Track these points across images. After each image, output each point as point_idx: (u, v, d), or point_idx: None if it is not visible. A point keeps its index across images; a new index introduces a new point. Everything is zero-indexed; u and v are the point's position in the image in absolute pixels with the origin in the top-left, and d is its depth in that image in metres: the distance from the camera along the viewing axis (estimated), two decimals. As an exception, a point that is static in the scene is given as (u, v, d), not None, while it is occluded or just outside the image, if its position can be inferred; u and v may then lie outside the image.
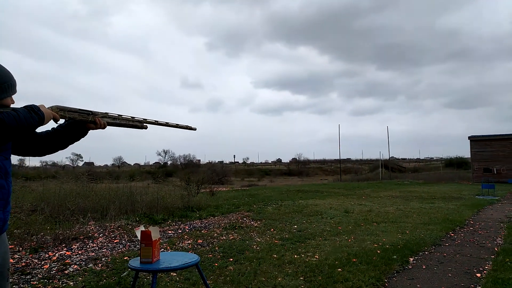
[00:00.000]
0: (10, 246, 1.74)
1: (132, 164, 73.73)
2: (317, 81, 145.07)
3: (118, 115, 1.99)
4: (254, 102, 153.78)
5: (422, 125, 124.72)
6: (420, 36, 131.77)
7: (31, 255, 4.69)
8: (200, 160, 68.38)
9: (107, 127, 1.95)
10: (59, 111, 1.77)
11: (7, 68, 1.67)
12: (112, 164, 68.86)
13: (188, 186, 12.09)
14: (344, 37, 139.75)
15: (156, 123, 2.10)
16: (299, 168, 68.95)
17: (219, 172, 41.52)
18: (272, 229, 6.74)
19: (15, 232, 5.40)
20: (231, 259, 4.60)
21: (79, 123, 1.86)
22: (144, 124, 2.05)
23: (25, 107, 1.61)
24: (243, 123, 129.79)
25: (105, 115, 1.93)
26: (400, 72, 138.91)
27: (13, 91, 1.68)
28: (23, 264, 4.31)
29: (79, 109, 1.85)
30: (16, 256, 4.59)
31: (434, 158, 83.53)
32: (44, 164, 58.05)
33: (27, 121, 1.55)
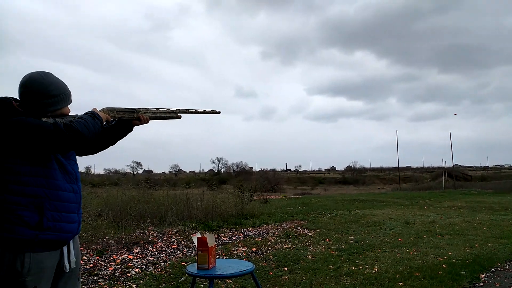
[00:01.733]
0: (80, 248, 1.85)
1: (187, 172, 76.30)
2: (374, 86, 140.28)
3: (156, 108, 2.14)
4: (307, 109, 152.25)
5: (490, 131, 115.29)
6: (486, 36, 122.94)
7: (97, 257, 4.98)
8: (252, 167, 69.03)
9: (149, 121, 2.11)
10: (110, 112, 1.94)
11: (61, 80, 1.79)
12: (169, 171, 71.78)
13: (241, 194, 12.20)
14: (403, 40, 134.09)
15: (187, 111, 2.22)
16: (355, 176, 66.86)
17: (272, 180, 41.54)
18: (327, 239, 6.56)
19: (83, 235, 5.77)
20: (286, 269, 4.53)
21: (126, 121, 2.02)
22: (179, 113, 2.19)
23: (86, 113, 1.72)
24: (296, 130, 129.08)
25: (146, 110, 2.09)
26: (465, 75, 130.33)
27: (69, 101, 1.81)
28: (91, 265, 4.59)
29: (125, 108, 2.01)
30: (85, 257, 4.90)
31: (505, 166, 76.73)
32: (107, 171, 62.10)
33: (95, 127, 1.69)
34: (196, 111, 2.25)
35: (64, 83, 1.79)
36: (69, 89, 1.81)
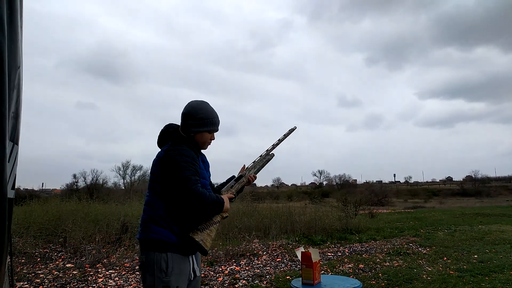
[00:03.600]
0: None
1: (289, 185, 76.95)
2: (499, 85, 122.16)
3: (253, 162, 2.27)
4: (419, 114, 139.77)
5: None
6: None
7: (208, 268, 5.32)
8: (356, 180, 66.42)
9: (256, 176, 2.25)
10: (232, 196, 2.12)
11: (214, 108, 2.03)
12: (272, 184, 73.41)
13: (345, 207, 11.82)
14: None
15: (273, 146, 2.30)
16: (476, 187, 59.18)
17: (378, 193, 39.33)
18: (445, 258, 5.90)
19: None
20: (397, 288, 4.20)
21: (240, 190, 2.21)
22: (271, 153, 2.30)
23: (219, 199, 1.90)
24: (405, 138, 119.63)
25: (249, 169, 2.24)
26: None
27: (213, 128, 2.02)
28: (202, 275, 4.92)
29: (234, 180, 2.19)
30: (197, 267, 5.27)
31: None
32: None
33: (211, 210, 1.88)
34: (279, 141, 2.32)
35: (215, 112, 2.01)
36: (218, 118, 2.03)
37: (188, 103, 2.00)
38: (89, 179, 41.57)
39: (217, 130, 2.04)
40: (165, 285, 1.77)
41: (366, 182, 63.78)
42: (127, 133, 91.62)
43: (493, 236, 8.06)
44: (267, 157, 2.30)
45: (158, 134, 2.02)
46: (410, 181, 77.60)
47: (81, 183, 41.69)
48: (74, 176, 42.67)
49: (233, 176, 2.22)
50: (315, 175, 68.83)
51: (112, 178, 54.20)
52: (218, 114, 2.03)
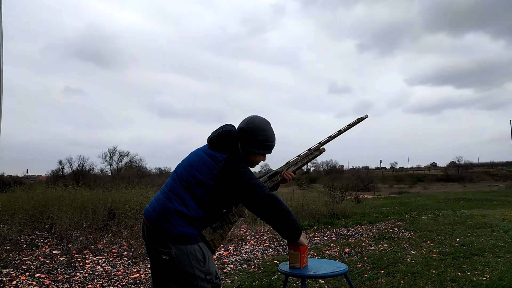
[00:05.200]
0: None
1: (278, 171, 77.35)
2: (488, 71, 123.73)
3: (297, 156, 2.09)
4: (408, 101, 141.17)
5: None
6: None
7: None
8: (343, 166, 67.21)
9: (296, 173, 2.12)
10: None
11: (273, 130, 1.98)
12: (260, 170, 73.67)
13: (332, 193, 11.97)
14: None
15: (330, 138, 2.12)
16: (460, 173, 60.57)
17: (364, 178, 39.97)
18: (428, 241, 6.06)
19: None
20: (382, 271, 4.30)
21: (274, 187, 2.10)
22: (322, 147, 2.12)
23: (298, 227, 1.90)
24: (393, 125, 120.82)
25: (288, 165, 2.08)
26: None
27: (268, 151, 1.99)
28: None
29: (268, 177, 2.06)
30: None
31: None
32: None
33: (284, 220, 1.83)
34: (340, 132, 2.12)
35: (274, 136, 1.98)
36: (275, 141, 1.99)
37: (251, 118, 1.94)
38: (75, 165, 41.03)
39: (270, 153, 2.00)
40: (206, 273, 1.78)
41: (353, 168, 64.78)
42: (115, 120, 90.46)
43: (475, 220, 8.29)
44: (315, 152, 2.10)
45: (217, 134, 1.90)
46: (395, 167, 78.95)
47: (67, 170, 41.15)
48: (60, 162, 42.03)
49: (274, 172, 2.08)
50: (302, 161, 69.21)
51: (98, 164, 53.38)
52: (275, 136, 1.98)
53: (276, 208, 1.78)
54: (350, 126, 2.15)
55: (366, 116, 2.18)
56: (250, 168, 1.88)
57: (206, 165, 1.82)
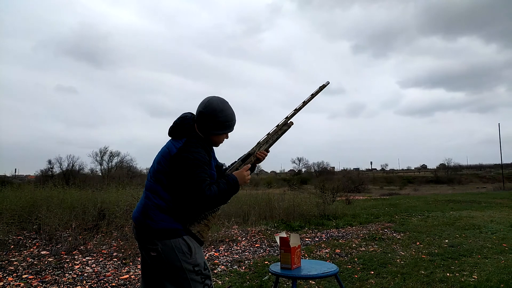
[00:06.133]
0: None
1: (269, 172, 77.43)
2: (479, 75, 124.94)
3: (267, 135, 2.08)
4: (400, 103, 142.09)
5: None
6: None
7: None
8: (334, 167, 67.57)
9: (269, 150, 2.11)
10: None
11: (232, 108, 1.97)
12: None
13: (323, 194, 12.02)
14: None
15: (296, 111, 2.11)
16: (449, 175, 61.29)
17: (355, 180, 40.19)
18: (418, 243, 6.12)
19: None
20: (372, 272, 4.33)
21: (251, 169, 2.07)
22: (289, 121, 2.10)
23: (233, 183, 1.87)
24: (384, 127, 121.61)
25: (259, 145, 2.07)
26: None
27: (231, 129, 1.99)
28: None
29: (241, 160, 2.04)
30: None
31: None
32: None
33: (228, 197, 1.86)
34: (304, 103, 2.12)
35: (233, 113, 1.97)
36: (235, 119, 1.99)
37: (208, 101, 1.92)
38: (65, 165, 40.60)
39: (232, 130, 2.00)
40: (194, 265, 1.80)
41: (344, 169, 65.08)
42: (107, 119, 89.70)
43: (463, 222, 8.40)
44: (284, 127, 2.08)
45: (173, 123, 1.95)
46: (386, 169, 79.61)
47: (56, 169, 40.68)
48: (49, 162, 41.57)
49: (247, 154, 2.06)
50: (294, 162, 69.53)
51: (89, 164, 52.94)
52: (235, 113, 1.98)
53: (215, 204, 1.79)
54: (313, 95, 2.15)
55: (328, 83, 2.18)
56: (207, 159, 1.85)
57: (164, 155, 1.87)
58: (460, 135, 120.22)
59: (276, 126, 2.08)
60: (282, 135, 2.08)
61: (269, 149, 2.08)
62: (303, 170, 66.83)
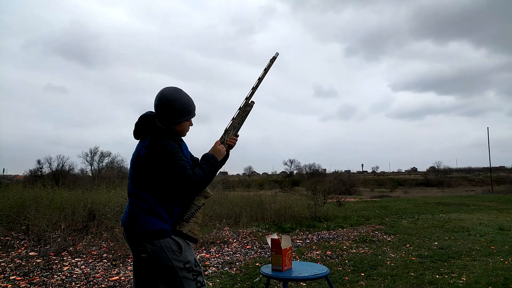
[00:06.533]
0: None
1: (260, 174, 77.52)
2: (469, 79, 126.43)
3: (232, 119, 2.09)
4: (391, 106, 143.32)
5: None
6: None
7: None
8: (325, 169, 67.79)
9: (238, 135, 2.12)
10: None
11: (187, 94, 1.96)
12: (243, 173, 73.60)
13: (314, 196, 12.06)
14: (509, 24, 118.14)
15: (253, 90, 2.13)
16: (439, 177, 61.97)
17: (346, 182, 40.39)
18: (408, 245, 6.17)
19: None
20: (362, 274, 4.36)
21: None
22: (250, 101, 2.12)
23: (213, 160, 1.90)
24: (375, 129, 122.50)
25: (228, 132, 2.08)
26: None
27: (192, 114, 1.98)
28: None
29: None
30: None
31: None
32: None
33: (213, 175, 1.89)
34: (259, 80, 2.15)
35: (189, 99, 1.95)
36: (194, 104, 1.97)
37: (161, 92, 1.91)
38: (54, 165, 40.10)
39: (194, 116, 1.99)
40: (184, 262, 1.81)
41: (335, 171, 65.30)
42: (98, 119, 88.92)
43: (453, 224, 8.49)
44: (246, 108, 2.10)
45: (134, 126, 1.95)
46: (377, 171, 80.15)
47: (46, 169, 40.16)
48: (39, 162, 41.00)
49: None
50: (286, 164, 69.57)
51: (79, 164, 52.27)
52: (191, 98, 1.97)
53: (200, 186, 1.80)
54: (266, 70, 2.16)
55: (277, 54, 2.20)
56: (178, 148, 1.85)
57: (135, 158, 1.88)
58: (450, 139, 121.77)
59: (239, 109, 2.10)
60: (246, 117, 2.11)
61: (238, 133, 2.10)
62: (295, 172, 66.93)
